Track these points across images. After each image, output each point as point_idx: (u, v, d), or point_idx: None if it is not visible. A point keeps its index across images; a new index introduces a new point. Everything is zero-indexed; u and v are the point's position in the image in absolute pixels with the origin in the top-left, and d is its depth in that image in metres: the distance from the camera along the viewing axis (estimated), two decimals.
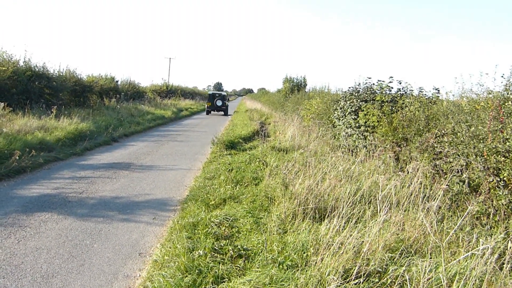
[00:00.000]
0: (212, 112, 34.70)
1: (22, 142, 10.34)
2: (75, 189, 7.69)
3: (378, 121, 8.34)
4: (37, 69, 17.09)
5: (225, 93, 35.71)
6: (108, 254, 4.96)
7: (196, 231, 5.28)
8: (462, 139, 5.54)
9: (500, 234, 4.17)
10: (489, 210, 4.81)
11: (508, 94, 5.63)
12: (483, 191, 5.04)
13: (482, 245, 3.56)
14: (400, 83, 9.44)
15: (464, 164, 5.38)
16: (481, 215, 4.87)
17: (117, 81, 29.26)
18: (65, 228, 5.71)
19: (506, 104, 5.37)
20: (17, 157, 8.78)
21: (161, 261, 4.52)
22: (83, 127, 14.07)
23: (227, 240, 4.92)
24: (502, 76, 5.84)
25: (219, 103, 33.95)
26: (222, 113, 35.08)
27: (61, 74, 19.41)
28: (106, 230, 5.75)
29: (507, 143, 4.81)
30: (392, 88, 9.52)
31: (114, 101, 23.81)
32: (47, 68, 17.93)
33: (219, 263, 4.26)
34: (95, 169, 9.51)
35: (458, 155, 5.49)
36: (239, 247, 4.63)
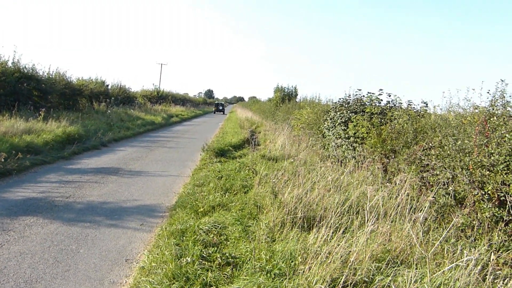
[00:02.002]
0: (216, 112, 60.11)
1: (9, 144, 10.21)
2: (62, 193, 7.61)
3: (367, 133, 8.45)
4: (26, 71, 16.95)
5: (223, 102, 62.59)
6: (94, 260, 4.91)
7: (184, 238, 5.26)
8: (448, 152, 5.65)
9: (484, 246, 4.24)
10: (474, 222, 4.90)
11: (493, 109, 5.76)
12: (468, 204, 5.13)
13: (466, 256, 3.63)
14: (390, 96, 9.60)
15: (450, 177, 5.48)
16: (466, 228, 4.96)
17: (107, 85, 29.12)
18: (51, 233, 5.64)
19: (492, 119, 5.50)
20: (3, 159, 8.66)
21: (148, 268, 4.49)
22: (71, 130, 13.95)
23: (216, 248, 4.92)
24: (488, 92, 5.98)
25: (220, 107, 60.90)
26: (222, 113, 59.46)
27: (50, 76, 19.28)
28: (93, 235, 5.69)
29: (492, 157, 4.92)
30: (382, 100, 9.67)
31: (104, 105, 23.67)
32: (37, 70, 17.82)
33: (207, 271, 4.26)
34: (83, 174, 9.42)
35: (445, 168, 5.59)
36: (227, 254, 4.63)
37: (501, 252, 4.34)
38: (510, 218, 4.62)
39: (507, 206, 4.64)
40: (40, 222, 6.00)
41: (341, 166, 8.79)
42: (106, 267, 4.75)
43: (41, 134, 12.50)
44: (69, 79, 21.22)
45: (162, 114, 30.39)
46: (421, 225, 4.83)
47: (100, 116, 20.22)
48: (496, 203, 4.84)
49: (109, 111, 22.53)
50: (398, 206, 5.38)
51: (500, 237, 4.50)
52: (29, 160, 9.73)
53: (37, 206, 6.76)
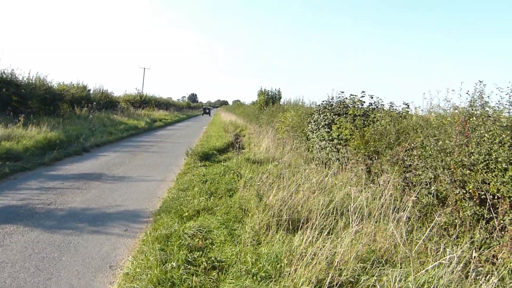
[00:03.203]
0: (204, 114, 71.82)
1: None
2: (43, 200, 7.45)
3: (350, 134, 8.53)
4: (4, 76, 16.59)
5: (210, 106, 71.58)
6: (77, 267, 4.82)
7: (169, 243, 5.20)
8: (430, 152, 5.74)
9: (466, 244, 4.32)
10: (456, 221, 4.98)
11: (472, 110, 5.89)
12: (450, 203, 5.22)
13: (449, 255, 3.69)
14: (372, 98, 9.71)
15: (432, 176, 5.57)
16: (449, 226, 5.04)
17: (89, 90, 28.73)
18: (32, 241, 5.51)
19: (471, 119, 5.61)
20: None
21: (132, 274, 4.42)
22: (52, 136, 13.69)
23: (201, 252, 4.88)
24: (467, 93, 6.11)
25: (207, 110, 75.60)
26: (208, 115, 70.23)
27: (30, 81, 18.91)
28: (76, 242, 5.58)
29: (472, 157, 5.02)
30: (364, 102, 9.78)
31: (85, 110, 23.32)
32: (16, 75, 17.45)
33: (193, 275, 4.22)
34: (65, 180, 9.24)
35: (427, 168, 5.68)
36: (212, 258, 4.60)
37: (483, 250, 4.43)
38: (491, 216, 4.72)
39: (487, 204, 4.74)
40: (21, 230, 5.86)
41: (325, 168, 8.85)
42: (90, 274, 4.67)
43: (21, 140, 12.22)
44: (49, 84, 20.83)
45: (145, 119, 30.09)
46: (404, 225, 4.90)
47: (82, 121, 19.91)
48: (477, 201, 4.94)
49: (91, 116, 22.21)
50: (382, 206, 5.44)
51: (481, 235, 4.59)
52: (9, 167, 9.50)
53: (17, 213, 6.60)
